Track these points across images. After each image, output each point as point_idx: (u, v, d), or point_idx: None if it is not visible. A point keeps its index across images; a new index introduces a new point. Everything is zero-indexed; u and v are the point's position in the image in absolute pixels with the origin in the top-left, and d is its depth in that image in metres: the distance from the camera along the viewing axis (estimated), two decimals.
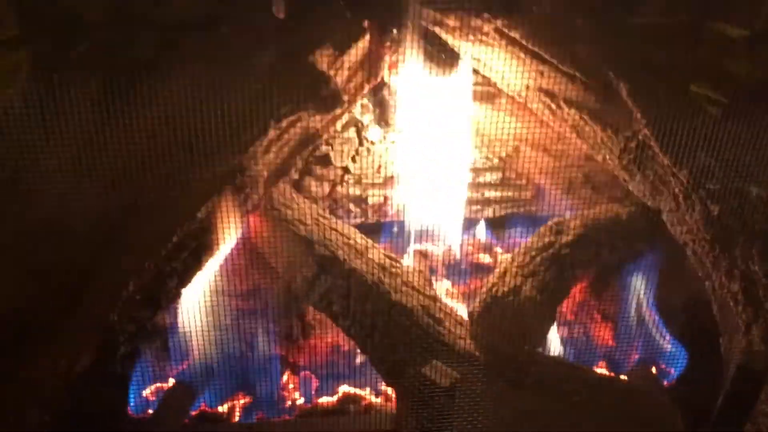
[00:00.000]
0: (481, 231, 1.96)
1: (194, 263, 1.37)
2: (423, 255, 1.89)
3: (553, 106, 1.61)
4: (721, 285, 1.50)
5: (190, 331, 1.59)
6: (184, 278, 1.37)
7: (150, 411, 1.62)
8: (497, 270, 1.51)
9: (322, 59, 1.43)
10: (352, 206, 1.88)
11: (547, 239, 1.57)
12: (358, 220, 1.90)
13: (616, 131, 1.54)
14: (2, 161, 1.29)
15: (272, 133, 1.38)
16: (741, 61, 1.61)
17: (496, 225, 1.97)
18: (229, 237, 1.43)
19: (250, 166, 1.36)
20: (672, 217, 1.54)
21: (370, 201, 1.88)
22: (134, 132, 1.31)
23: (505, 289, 1.42)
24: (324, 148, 1.76)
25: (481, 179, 1.91)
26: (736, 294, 1.48)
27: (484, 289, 1.45)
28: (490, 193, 1.93)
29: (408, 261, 1.83)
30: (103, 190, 1.26)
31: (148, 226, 1.28)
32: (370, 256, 1.50)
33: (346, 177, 1.84)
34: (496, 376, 1.38)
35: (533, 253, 1.52)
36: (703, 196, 1.46)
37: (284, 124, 1.40)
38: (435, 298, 1.48)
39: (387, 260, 1.52)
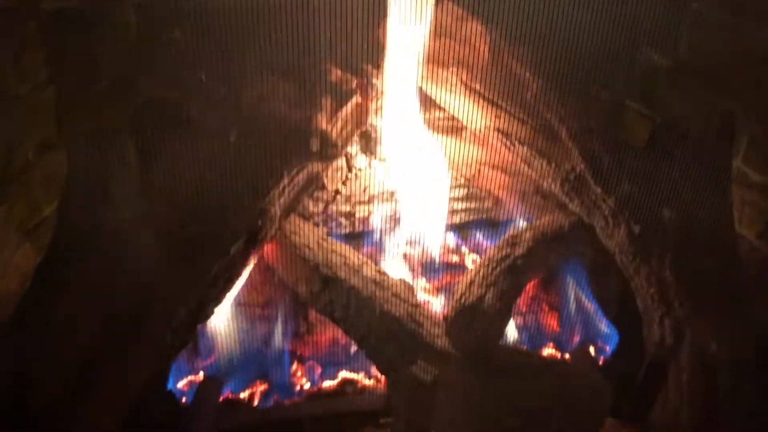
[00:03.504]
0: (450, 236, 2.33)
1: (226, 288, 1.71)
2: (402, 257, 2.26)
3: (507, 143, 1.96)
4: (641, 287, 1.90)
5: (217, 333, 1.95)
6: (219, 300, 1.71)
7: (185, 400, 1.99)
8: (465, 280, 1.88)
9: (322, 118, 1.75)
10: (342, 220, 2.23)
11: (504, 252, 1.94)
12: (348, 231, 2.25)
13: (558, 165, 1.89)
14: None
15: (285, 181, 1.71)
16: (666, 86, 1.95)
17: (462, 229, 2.35)
18: (252, 263, 1.78)
19: (268, 208, 1.70)
20: (603, 233, 1.92)
21: (358, 215, 2.22)
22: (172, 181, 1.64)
23: (472, 298, 1.79)
24: None
25: (449, 194, 2.27)
26: (652, 294, 1.87)
27: (455, 298, 1.82)
28: (457, 205, 2.29)
29: (389, 263, 2.20)
30: (153, 233, 1.60)
31: (192, 262, 1.61)
32: (364, 272, 1.86)
33: (337, 197, 2.18)
34: (467, 367, 1.76)
35: (493, 265, 1.89)
36: (626, 217, 1.83)
37: (294, 173, 1.73)
38: (417, 305, 1.85)
39: (378, 275, 1.87)
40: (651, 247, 1.82)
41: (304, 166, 1.75)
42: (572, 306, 2.19)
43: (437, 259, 2.28)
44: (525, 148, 1.92)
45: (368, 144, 2.14)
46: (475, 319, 1.77)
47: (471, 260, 2.31)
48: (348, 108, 1.83)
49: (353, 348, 2.12)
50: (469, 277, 1.88)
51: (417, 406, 1.74)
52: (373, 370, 2.10)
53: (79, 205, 1.62)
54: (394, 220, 2.21)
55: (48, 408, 1.49)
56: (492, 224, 2.32)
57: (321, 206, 2.17)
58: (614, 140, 1.87)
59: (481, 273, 1.87)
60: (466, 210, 2.30)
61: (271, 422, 1.95)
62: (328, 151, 1.77)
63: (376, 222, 2.22)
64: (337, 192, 2.16)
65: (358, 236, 2.24)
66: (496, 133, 1.96)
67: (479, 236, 2.33)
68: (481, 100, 1.93)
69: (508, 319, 1.88)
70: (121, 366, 1.56)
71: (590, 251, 2.09)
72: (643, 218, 1.81)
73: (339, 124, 1.81)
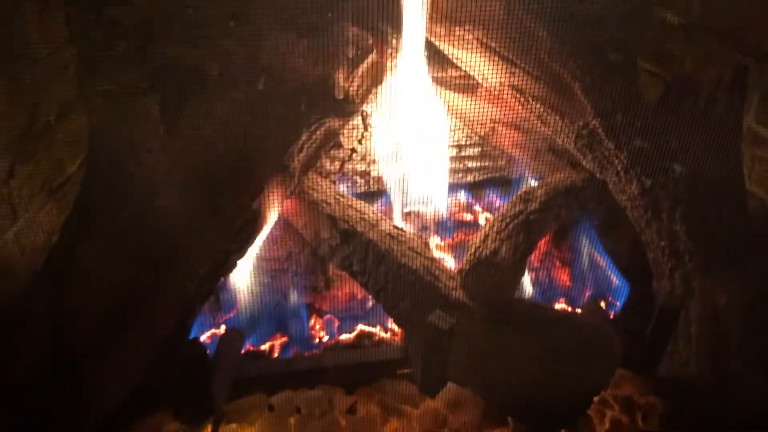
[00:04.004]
0: (463, 194, 2.37)
1: (248, 241, 1.76)
2: (416, 216, 2.30)
3: (522, 99, 1.99)
4: (652, 240, 1.93)
5: (239, 288, 2.01)
6: (242, 252, 1.76)
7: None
8: (480, 234, 1.92)
9: (340, 75, 1.78)
10: (357, 178, 2.27)
11: (518, 207, 1.98)
12: (363, 189, 2.30)
13: (571, 121, 1.92)
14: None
15: (304, 137, 1.75)
16: (678, 45, 1.96)
17: (476, 188, 2.39)
18: (272, 218, 1.82)
19: (288, 164, 1.74)
20: (615, 187, 1.95)
21: (373, 174, 2.26)
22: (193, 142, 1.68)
23: (487, 251, 1.84)
24: None
25: (463, 153, 2.30)
26: (663, 248, 1.91)
27: (470, 251, 1.87)
28: (471, 163, 2.33)
29: (404, 222, 2.24)
30: (177, 188, 1.64)
31: (216, 215, 1.66)
32: (381, 227, 1.91)
33: (353, 155, 2.21)
34: (481, 318, 1.81)
35: (507, 220, 1.93)
36: (638, 172, 1.86)
37: (313, 128, 1.77)
38: (433, 259, 1.90)
39: (395, 230, 1.92)
40: (662, 201, 1.86)
41: (322, 123, 1.78)
42: (584, 261, 2.23)
43: (451, 218, 2.32)
44: (539, 104, 1.95)
45: (383, 103, 2.17)
46: (489, 272, 1.82)
47: (484, 218, 2.35)
48: (365, 65, 1.85)
49: (370, 303, 2.17)
50: (483, 231, 1.92)
51: (433, 357, 1.80)
52: (390, 324, 2.15)
53: (104, 161, 1.67)
54: (408, 180, 2.24)
55: (78, 353, 1.56)
56: (505, 182, 2.36)
57: (337, 165, 2.21)
58: (627, 96, 1.89)
59: (495, 227, 1.92)
60: (479, 168, 2.34)
61: (290, 373, 2.01)
62: (346, 107, 1.80)
63: (391, 181, 2.26)
64: (353, 150, 2.20)
65: (373, 195, 2.29)
66: (510, 90, 1.99)
67: (492, 195, 2.37)
68: (496, 57, 1.95)
69: (522, 273, 1.93)
70: (147, 314, 1.62)
71: (602, 207, 2.13)
72: (655, 173, 1.85)
73: (356, 81, 1.84)
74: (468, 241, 2.21)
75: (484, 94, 2.17)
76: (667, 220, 1.87)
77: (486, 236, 1.89)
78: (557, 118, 1.94)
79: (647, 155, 1.85)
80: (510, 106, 2.08)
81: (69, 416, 1.57)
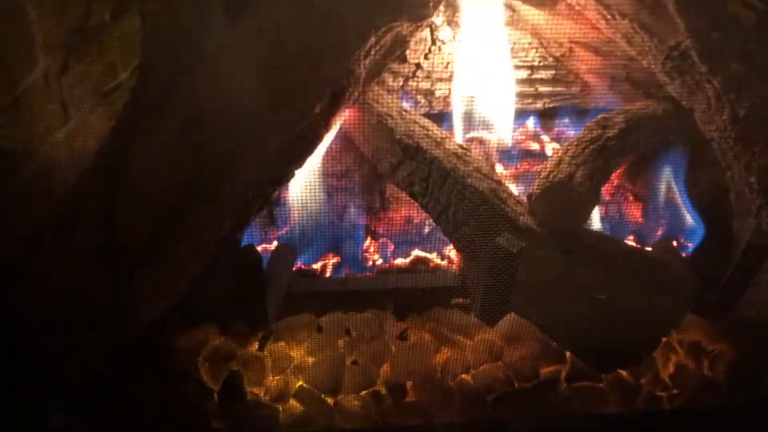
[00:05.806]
0: (532, 121, 2.23)
1: (308, 148, 1.67)
2: (480, 142, 2.17)
3: (608, 16, 1.83)
4: (739, 175, 1.79)
5: (293, 203, 1.93)
6: (300, 161, 1.67)
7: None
8: (553, 158, 1.80)
9: None
10: (420, 98, 2.14)
11: (595, 133, 1.84)
12: (424, 110, 2.17)
13: (662, 41, 1.77)
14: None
15: (372, 41, 1.63)
16: None
17: (546, 116, 2.24)
18: (333, 127, 1.72)
19: (353, 68, 1.62)
20: (703, 116, 1.80)
21: (437, 93, 2.13)
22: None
23: (561, 175, 1.71)
24: None
25: (535, 75, 2.15)
26: (752, 183, 1.76)
27: (542, 175, 1.75)
28: (543, 88, 2.18)
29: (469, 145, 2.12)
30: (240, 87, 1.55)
31: (276, 120, 1.57)
32: (446, 146, 1.79)
33: (417, 72, 2.09)
34: (549, 246, 1.70)
35: (584, 145, 1.80)
36: (732, 99, 1.72)
37: (381, 33, 1.65)
38: (500, 182, 1.78)
39: (460, 150, 1.81)
40: (755, 132, 1.71)
41: (391, 28, 1.66)
42: (659, 198, 2.09)
43: (516, 146, 2.19)
44: (627, 21, 1.79)
45: (454, 15, 2.03)
46: (562, 197, 1.69)
47: (551, 149, 2.21)
48: None
49: (426, 228, 2.08)
50: (558, 155, 1.79)
51: (496, 282, 1.70)
52: (446, 251, 2.06)
53: (161, 60, 1.60)
54: (474, 102, 2.11)
55: (128, 256, 1.52)
56: (577, 111, 2.21)
57: (400, 81, 2.09)
58: (725, 14, 1.73)
59: (570, 152, 1.78)
60: (551, 94, 2.19)
61: (341, 294, 1.94)
62: (419, 10, 1.67)
63: (456, 101, 2.13)
64: (418, 66, 2.07)
65: (436, 117, 2.16)
66: (595, 4, 1.83)
67: (562, 123, 2.22)
68: None
69: (596, 201, 1.79)
70: (201, 218, 1.56)
71: (683, 140, 1.99)
72: (750, 101, 1.69)
73: None
74: (533, 171, 2.09)
75: (564, 9, 2.00)
76: (759, 153, 1.72)
77: (560, 161, 1.76)
78: (646, 37, 1.79)
79: (744, 81, 1.69)
80: (592, 24, 1.92)
81: (115, 319, 1.54)
